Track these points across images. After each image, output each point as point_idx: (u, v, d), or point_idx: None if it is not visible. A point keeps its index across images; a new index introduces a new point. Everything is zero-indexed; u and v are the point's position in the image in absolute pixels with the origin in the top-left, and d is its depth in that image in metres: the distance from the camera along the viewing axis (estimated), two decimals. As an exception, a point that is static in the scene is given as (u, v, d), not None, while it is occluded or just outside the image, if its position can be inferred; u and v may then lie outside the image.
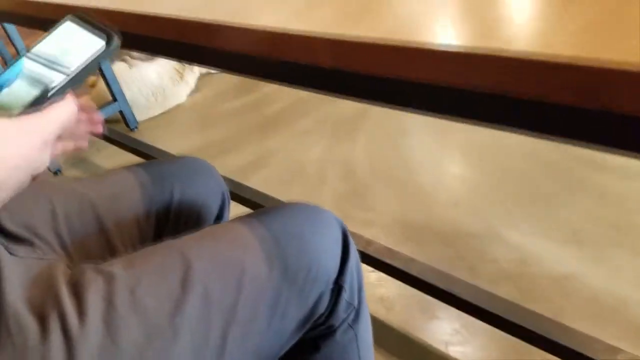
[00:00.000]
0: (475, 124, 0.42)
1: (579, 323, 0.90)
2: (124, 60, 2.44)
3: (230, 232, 0.58)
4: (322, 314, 0.60)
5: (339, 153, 1.81)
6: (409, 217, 1.45)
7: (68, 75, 0.44)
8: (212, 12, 0.56)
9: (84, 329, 0.44)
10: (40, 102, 0.43)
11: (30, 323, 0.44)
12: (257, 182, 1.59)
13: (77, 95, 0.48)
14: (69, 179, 1.71)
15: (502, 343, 1.07)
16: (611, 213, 1.31)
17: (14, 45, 2.19)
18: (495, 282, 1.18)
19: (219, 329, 0.50)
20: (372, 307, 1.21)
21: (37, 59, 0.46)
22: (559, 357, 0.89)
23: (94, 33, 0.46)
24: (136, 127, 2.30)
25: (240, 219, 0.60)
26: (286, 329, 0.56)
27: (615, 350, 0.84)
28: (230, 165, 1.83)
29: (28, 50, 0.46)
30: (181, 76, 2.53)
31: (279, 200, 1.32)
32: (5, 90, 0.44)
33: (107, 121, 2.28)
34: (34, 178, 0.44)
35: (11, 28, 2.17)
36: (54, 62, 0.45)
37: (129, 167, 0.73)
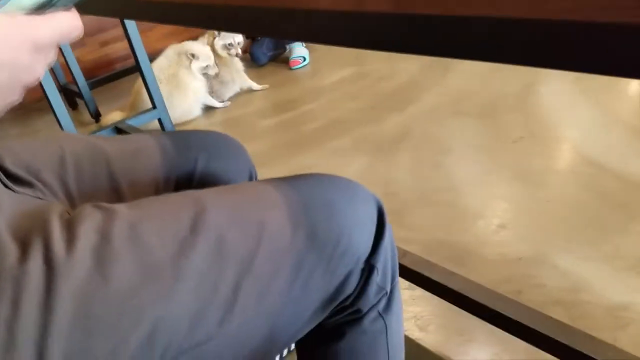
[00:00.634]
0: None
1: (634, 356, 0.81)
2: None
3: (254, 188, 0.55)
4: (350, 295, 0.54)
5: (379, 172, 1.76)
6: (451, 237, 1.37)
7: None
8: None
9: (69, 259, 0.39)
10: (42, 9, 0.40)
11: (10, 247, 0.39)
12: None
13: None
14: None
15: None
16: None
17: None
18: (544, 308, 1.07)
19: (232, 280, 0.45)
20: (404, 325, 1.14)
21: None
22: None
23: None
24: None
25: (268, 179, 0.56)
26: (309, 301, 0.50)
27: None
28: (263, 177, 1.80)
29: None
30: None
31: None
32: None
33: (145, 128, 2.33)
34: (24, 89, 0.39)
35: None
36: None
37: (152, 132, 0.70)
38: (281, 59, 3.08)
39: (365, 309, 0.56)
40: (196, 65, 2.52)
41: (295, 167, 1.89)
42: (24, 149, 0.56)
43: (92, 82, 2.73)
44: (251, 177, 0.75)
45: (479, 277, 1.21)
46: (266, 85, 2.76)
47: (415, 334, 1.11)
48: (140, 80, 2.26)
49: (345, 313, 0.55)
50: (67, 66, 2.62)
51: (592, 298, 1.10)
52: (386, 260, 0.56)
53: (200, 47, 2.55)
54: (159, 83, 2.25)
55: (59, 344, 0.37)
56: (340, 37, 0.46)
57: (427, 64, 2.58)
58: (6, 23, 0.37)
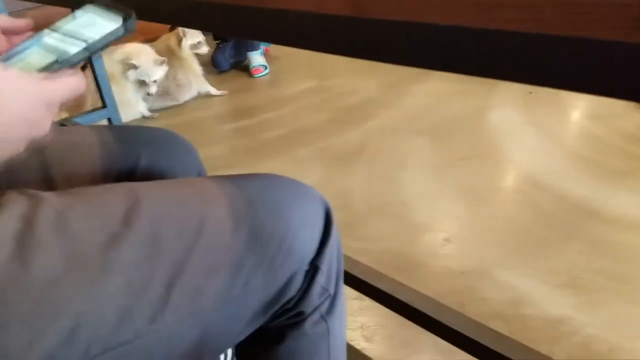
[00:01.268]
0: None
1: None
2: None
3: (196, 183, 0.53)
4: (293, 297, 0.52)
5: (335, 183, 1.78)
6: (400, 249, 1.41)
7: (83, 46, 0.46)
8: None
9: None
10: (52, 68, 0.44)
11: None
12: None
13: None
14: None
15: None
16: (607, 262, 1.28)
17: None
18: (485, 320, 1.12)
19: (165, 277, 0.42)
20: (350, 335, 1.15)
21: (56, 33, 0.48)
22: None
23: (112, 13, 0.49)
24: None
25: (213, 176, 0.55)
26: (248, 302, 0.48)
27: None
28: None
29: (49, 27, 0.49)
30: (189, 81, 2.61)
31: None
32: (20, 56, 0.45)
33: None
34: (32, 143, 0.41)
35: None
36: (71, 36, 0.47)
37: (93, 125, 0.67)
38: (242, 67, 3.07)
39: (307, 312, 0.54)
40: (133, 75, 2.45)
41: (251, 174, 1.88)
42: None
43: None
44: (199, 176, 0.73)
45: (425, 288, 1.24)
46: (225, 91, 2.75)
47: (361, 344, 1.13)
48: (89, 77, 2.19)
49: (288, 315, 0.54)
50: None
51: (531, 312, 1.15)
52: (331, 262, 0.55)
53: (144, 56, 2.46)
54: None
55: None
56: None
57: (386, 82, 2.65)
58: (24, 80, 0.39)
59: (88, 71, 2.08)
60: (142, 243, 0.42)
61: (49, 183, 0.59)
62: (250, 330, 0.52)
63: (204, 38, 2.70)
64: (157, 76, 2.46)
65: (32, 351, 0.37)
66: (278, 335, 0.56)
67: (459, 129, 2.07)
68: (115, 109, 2.17)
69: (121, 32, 0.47)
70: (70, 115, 2.26)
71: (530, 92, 2.32)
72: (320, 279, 0.53)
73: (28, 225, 0.39)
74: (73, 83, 0.43)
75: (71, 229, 0.40)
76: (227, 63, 3.04)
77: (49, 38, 0.47)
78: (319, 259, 0.53)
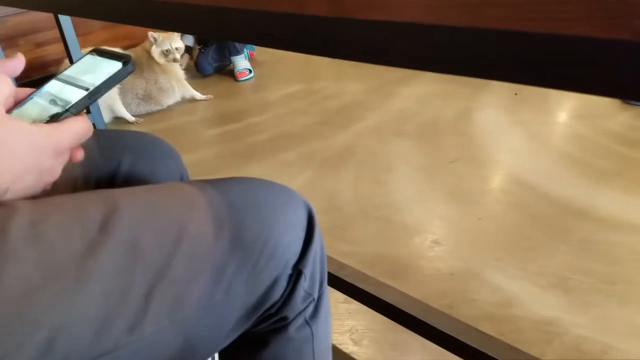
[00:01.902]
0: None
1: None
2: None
3: (176, 188, 0.51)
4: (277, 302, 0.51)
5: (323, 186, 1.75)
6: (389, 252, 1.38)
7: (85, 93, 0.48)
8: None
9: None
10: (58, 117, 0.46)
11: None
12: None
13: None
14: None
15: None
16: (596, 262, 1.26)
17: None
18: (474, 322, 1.10)
19: (144, 285, 0.41)
20: (338, 339, 1.13)
21: (59, 82, 0.51)
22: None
23: (112, 59, 0.51)
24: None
25: (194, 180, 0.53)
26: (231, 308, 0.47)
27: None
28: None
29: (55, 77, 0.52)
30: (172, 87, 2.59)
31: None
32: (27, 108, 0.47)
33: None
34: (44, 188, 0.44)
35: None
36: (74, 83, 0.50)
37: None
38: (226, 71, 3.05)
39: (291, 316, 0.53)
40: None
41: (237, 178, 1.86)
42: None
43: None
44: (182, 180, 0.71)
45: (414, 290, 1.22)
46: (210, 96, 2.72)
47: (350, 348, 1.10)
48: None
49: (271, 321, 0.53)
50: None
51: (521, 313, 1.13)
52: (314, 266, 0.54)
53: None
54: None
55: None
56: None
57: (371, 85, 2.64)
58: (33, 131, 0.41)
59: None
60: (120, 251, 0.41)
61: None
62: (234, 336, 0.51)
63: (175, 46, 2.60)
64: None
65: None
66: (262, 340, 0.54)
67: (445, 131, 2.06)
68: (99, 114, 2.15)
69: (123, 74, 0.49)
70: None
71: (516, 94, 2.33)
72: (304, 283, 0.52)
73: (1, 236, 0.37)
74: (80, 128, 0.45)
75: (46, 238, 0.39)
76: (210, 67, 3.02)
77: (53, 88, 0.50)
78: (302, 263, 0.52)
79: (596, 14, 0.25)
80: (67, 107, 0.46)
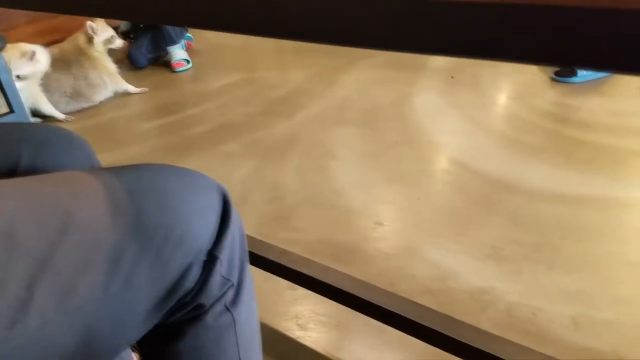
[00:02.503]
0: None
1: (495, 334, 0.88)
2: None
3: (65, 177, 0.48)
4: (191, 291, 0.49)
5: (266, 176, 1.75)
6: (333, 237, 1.40)
7: None
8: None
9: None
10: None
11: None
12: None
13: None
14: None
15: (417, 355, 1.02)
16: (526, 232, 1.34)
17: None
18: (414, 296, 1.14)
19: (25, 276, 0.39)
20: (285, 325, 1.14)
21: None
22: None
23: None
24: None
25: (89, 169, 0.51)
26: (137, 299, 0.45)
27: (528, 352, 0.82)
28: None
29: None
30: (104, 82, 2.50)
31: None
32: None
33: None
34: None
35: None
36: None
37: None
38: (162, 62, 2.96)
39: (208, 304, 0.51)
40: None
41: (178, 172, 1.82)
42: None
43: None
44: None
45: (358, 272, 1.24)
46: (145, 88, 2.64)
47: (296, 333, 1.11)
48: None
49: (186, 310, 0.51)
50: None
51: (457, 285, 1.18)
52: (232, 251, 0.52)
53: (10, 51, 2.26)
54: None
55: None
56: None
57: (313, 74, 2.65)
58: None
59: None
60: None
61: None
62: (145, 328, 0.48)
63: (114, 32, 2.58)
64: (22, 71, 2.25)
65: None
66: (178, 331, 0.52)
67: (386, 116, 2.10)
68: (24, 114, 2.05)
69: None
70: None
71: (452, 77, 2.40)
72: (220, 269, 0.51)
73: None
74: None
75: None
76: (144, 58, 2.91)
77: None
78: (217, 248, 0.50)
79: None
80: None
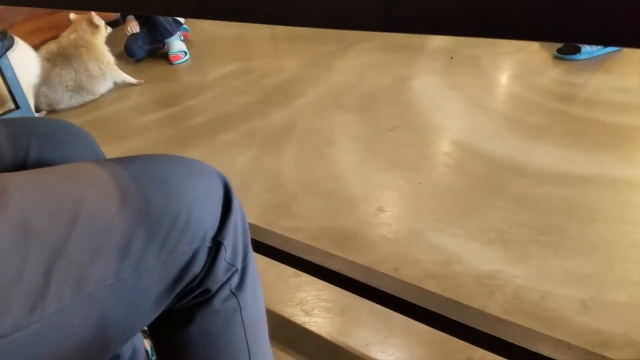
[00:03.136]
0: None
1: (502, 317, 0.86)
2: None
3: (74, 168, 0.50)
4: (197, 276, 0.51)
5: (266, 165, 1.73)
6: (335, 223, 1.39)
7: None
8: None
9: None
10: None
11: None
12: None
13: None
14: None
15: (422, 340, 1.01)
16: (531, 214, 1.31)
17: None
18: (419, 281, 1.13)
19: (42, 263, 0.40)
20: (290, 311, 1.12)
21: None
22: (482, 347, 0.84)
23: None
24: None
25: (95, 160, 0.53)
26: (147, 284, 0.46)
27: (537, 335, 0.80)
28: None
29: None
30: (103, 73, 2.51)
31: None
32: None
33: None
34: None
35: None
36: None
37: None
38: (159, 54, 2.93)
39: (214, 288, 0.53)
40: None
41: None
42: None
43: None
44: None
45: (360, 258, 1.23)
46: (142, 80, 2.62)
47: (301, 319, 1.10)
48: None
49: (194, 294, 0.53)
50: None
51: (462, 270, 1.17)
52: (236, 237, 0.54)
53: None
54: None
55: None
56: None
57: (308, 60, 2.61)
58: None
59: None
60: (11, 232, 0.40)
61: None
62: (155, 313, 0.50)
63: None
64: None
65: None
66: (187, 315, 0.54)
67: (384, 100, 2.07)
68: (29, 109, 2.06)
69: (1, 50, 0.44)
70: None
71: (452, 58, 2.37)
72: (225, 255, 0.52)
73: None
74: None
75: None
76: (141, 51, 2.89)
77: None
78: (220, 234, 0.52)
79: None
80: None
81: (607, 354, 0.83)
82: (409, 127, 1.83)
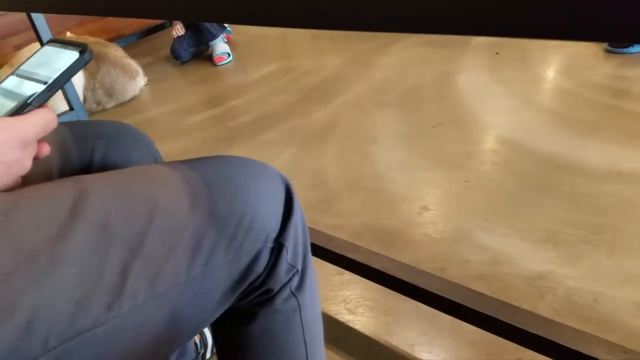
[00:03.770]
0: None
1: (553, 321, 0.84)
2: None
3: (146, 170, 0.52)
4: (260, 275, 0.52)
5: (307, 163, 1.74)
6: (378, 221, 1.38)
7: (45, 84, 0.47)
8: None
9: None
10: (20, 111, 0.46)
11: None
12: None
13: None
14: None
15: (469, 341, 0.99)
16: (583, 214, 1.27)
17: None
18: (466, 282, 1.11)
19: (119, 263, 0.42)
20: (334, 309, 1.13)
21: (18, 77, 0.51)
22: (532, 349, 0.82)
23: (69, 49, 0.51)
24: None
25: (164, 162, 0.55)
26: (212, 282, 0.48)
27: (590, 338, 0.77)
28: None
29: (12, 73, 0.52)
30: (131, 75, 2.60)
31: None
32: None
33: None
34: (16, 182, 0.44)
35: None
36: (32, 77, 0.49)
37: None
38: (204, 56, 3.00)
39: (276, 288, 0.55)
40: None
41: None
42: None
43: None
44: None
45: (405, 257, 1.22)
46: (146, 77, 2.76)
47: (345, 317, 1.10)
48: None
49: (256, 294, 0.54)
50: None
51: (512, 270, 1.14)
52: (296, 239, 0.55)
53: None
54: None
55: None
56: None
57: (349, 58, 2.61)
58: None
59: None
60: (91, 232, 0.42)
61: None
62: (220, 310, 0.52)
63: None
64: None
65: None
66: (250, 313, 0.56)
67: (427, 96, 2.05)
68: (82, 111, 2.16)
69: (80, 64, 0.49)
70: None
71: (497, 53, 2.31)
72: (286, 256, 0.54)
73: None
74: (43, 118, 0.45)
75: (17, 226, 0.40)
76: (186, 53, 2.97)
77: (10, 84, 0.49)
78: (282, 236, 0.53)
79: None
80: (28, 100, 0.46)
81: (667, 360, 0.79)
82: (453, 124, 1.80)
